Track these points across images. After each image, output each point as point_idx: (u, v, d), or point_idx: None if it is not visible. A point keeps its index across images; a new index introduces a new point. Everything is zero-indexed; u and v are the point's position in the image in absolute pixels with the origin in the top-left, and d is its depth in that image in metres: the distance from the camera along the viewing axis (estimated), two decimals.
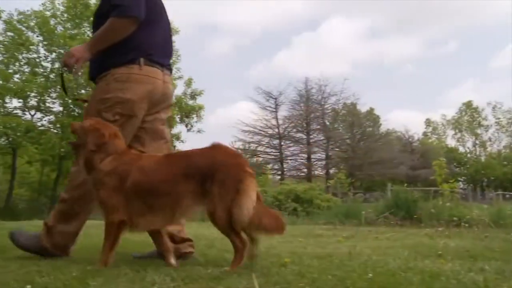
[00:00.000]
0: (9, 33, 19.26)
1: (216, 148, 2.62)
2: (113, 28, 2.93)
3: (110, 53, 2.99)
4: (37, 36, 20.38)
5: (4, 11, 19.14)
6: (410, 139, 43.89)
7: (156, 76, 3.08)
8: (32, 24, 20.17)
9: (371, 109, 39.86)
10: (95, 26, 3.13)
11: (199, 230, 6.19)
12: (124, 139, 2.90)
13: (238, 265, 2.45)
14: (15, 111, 19.76)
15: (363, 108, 37.65)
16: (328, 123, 35.06)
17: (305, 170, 34.07)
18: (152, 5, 3.11)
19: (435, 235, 5.15)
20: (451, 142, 54.74)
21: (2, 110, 19.16)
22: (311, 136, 34.37)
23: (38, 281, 2.12)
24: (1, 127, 17.48)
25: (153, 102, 3.10)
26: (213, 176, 2.45)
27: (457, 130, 54.51)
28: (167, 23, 3.40)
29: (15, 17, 19.91)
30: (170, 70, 3.34)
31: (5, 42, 19.04)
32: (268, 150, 34.79)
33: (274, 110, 34.05)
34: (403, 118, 77.68)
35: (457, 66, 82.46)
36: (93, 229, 5.22)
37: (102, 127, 2.70)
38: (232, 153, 2.69)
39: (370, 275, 2.13)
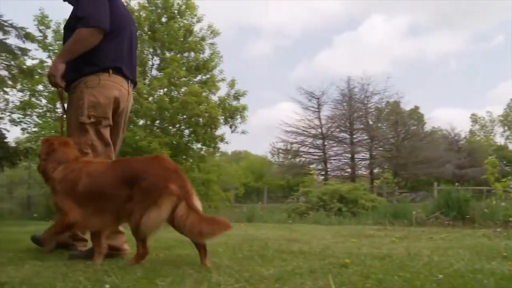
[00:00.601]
0: (58, 42, 19.82)
1: (156, 159, 2.88)
2: (80, 38, 3.16)
3: (81, 64, 3.25)
4: None
5: (51, 20, 19.73)
6: (456, 137, 42.72)
7: (123, 85, 3.40)
8: None
9: (416, 108, 39.13)
10: (64, 38, 3.47)
11: (249, 231, 6.23)
12: (102, 140, 3.28)
13: (132, 264, 2.68)
14: (61, 114, 20.28)
15: (406, 106, 36.99)
16: (371, 122, 34.57)
17: (349, 170, 33.74)
18: (117, 17, 3.36)
19: (493, 236, 4.99)
20: (500, 140, 53.01)
21: (53, 115, 19.70)
22: (355, 136, 34.02)
23: (106, 280, 2.17)
24: (52, 131, 17.99)
25: (116, 109, 3.38)
26: (140, 183, 2.67)
27: (506, 127, 52.67)
28: (133, 36, 3.66)
29: (63, 25, 20.52)
30: (135, 84, 3.67)
31: (55, 51, 19.62)
32: (311, 150, 34.64)
33: (316, 110, 33.90)
34: (448, 116, 76.28)
35: (504, 60, 79.84)
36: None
37: (52, 138, 3.05)
38: (167, 167, 2.82)
39: (440, 276, 2.08)
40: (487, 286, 1.91)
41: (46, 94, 19.08)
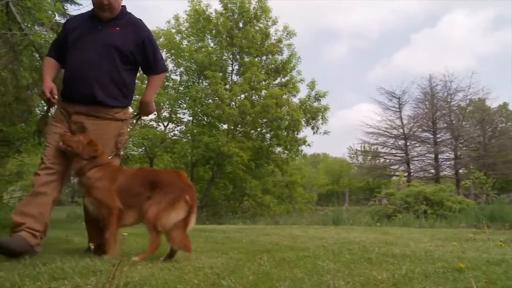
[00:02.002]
0: None
1: (177, 173, 3.40)
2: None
3: (131, 94, 3.89)
4: (166, 53, 21.69)
5: None
6: None
7: None
8: (160, 41, 21.56)
9: (505, 104, 36.93)
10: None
11: (341, 234, 6.18)
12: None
13: (145, 258, 2.99)
14: (150, 123, 21.24)
15: (494, 103, 35.06)
16: (455, 121, 33.10)
17: (432, 171, 32.52)
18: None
19: None
20: None
21: (139, 122, 20.64)
22: (438, 135, 32.66)
23: (223, 283, 2.22)
24: (139, 138, 18.87)
25: None
26: (162, 188, 3.17)
27: None
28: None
29: None
30: None
31: None
32: (393, 151, 33.75)
33: (398, 110, 32.92)
34: None
35: None
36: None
37: (95, 142, 3.38)
38: (185, 181, 3.32)
39: None
40: None
41: (132, 102, 19.94)
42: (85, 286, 1.99)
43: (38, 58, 6.50)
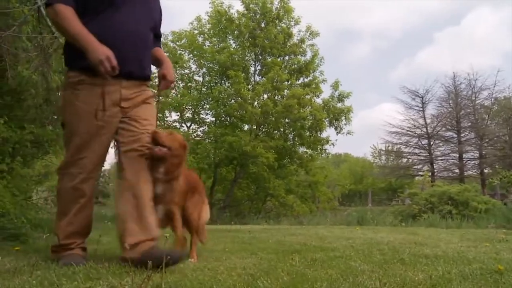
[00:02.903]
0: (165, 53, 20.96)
1: (192, 171, 3.67)
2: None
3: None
4: (188, 54, 21.87)
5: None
6: None
7: None
8: (183, 42, 21.75)
9: None
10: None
11: (368, 235, 6.15)
12: None
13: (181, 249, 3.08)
14: (174, 124, 21.44)
15: None
16: (480, 120, 32.60)
17: (457, 170, 32.09)
18: None
19: None
20: None
21: (163, 123, 20.87)
22: (462, 135, 32.21)
23: (259, 285, 2.23)
24: None
25: None
26: (197, 188, 3.37)
27: None
28: None
29: (170, 38, 21.62)
30: None
31: None
32: (416, 151, 33.36)
33: (421, 109, 32.52)
34: None
35: None
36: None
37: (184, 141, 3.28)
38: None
39: None
40: None
41: (155, 103, 20.17)
42: (120, 286, 2.03)
43: None
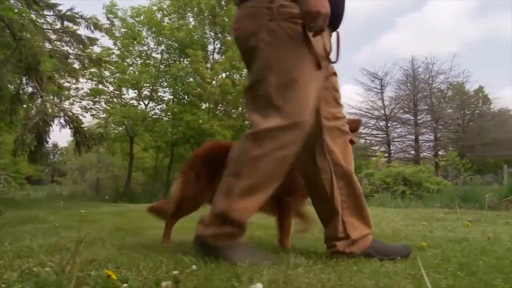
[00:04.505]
0: (123, 29, 20.48)
1: None
2: None
3: None
4: (147, 31, 21.43)
5: (119, 9, 20.38)
6: None
7: None
8: (141, 18, 21.26)
9: (480, 87, 37.25)
10: None
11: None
12: None
13: None
14: (131, 102, 21.06)
15: (474, 86, 35.43)
16: (436, 103, 33.42)
17: (413, 152, 32.91)
18: None
19: None
20: None
21: (120, 100, 20.50)
22: (419, 117, 33.00)
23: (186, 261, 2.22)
24: (119, 117, 18.74)
25: None
26: None
27: None
28: None
29: (128, 13, 21.09)
30: None
31: (121, 38, 20.29)
32: (374, 132, 33.94)
33: (379, 91, 33.06)
34: None
35: None
36: None
37: None
38: None
39: None
40: None
41: (112, 80, 19.73)
42: (49, 263, 1.98)
43: (9, 34, 6.30)
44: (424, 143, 33.69)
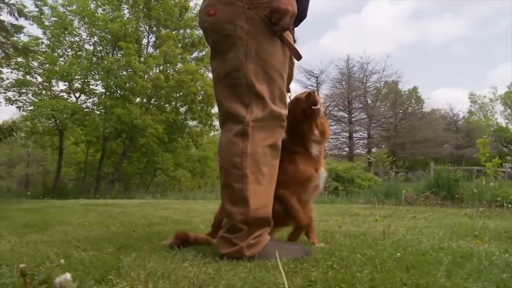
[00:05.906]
0: (53, 18, 19.63)
1: None
2: None
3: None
4: (79, 21, 20.68)
5: None
6: (454, 118, 42.65)
7: None
8: (73, 8, 20.46)
9: (414, 88, 38.88)
10: None
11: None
12: None
13: None
14: (61, 94, 20.21)
15: (406, 86, 36.86)
16: (370, 102, 34.48)
17: (347, 149, 33.80)
18: None
19: (475, 215, 5.02)
20: (501, 120, 52.29)
21: (49, 93, 19.67)
22: (353, 115, 33.96)
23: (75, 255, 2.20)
24: (49, 109, 17.97)
25: None
26: None
27: (506, 107, 51.89)
28: None
29: (59, 2, 20.23)
30: None
31: (51, 27, 19.45)
32: None
33: (315, 89, 33.73)
34: (449, 98, 76.02)
35: (505, 45, 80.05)
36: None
37: None
38: None
39: (399, 254, 2.10)
40: (442, 263, 1.91)
41: (41, 71, 18.94)
42: None
43: None
44: (358, 141, 34.71)
